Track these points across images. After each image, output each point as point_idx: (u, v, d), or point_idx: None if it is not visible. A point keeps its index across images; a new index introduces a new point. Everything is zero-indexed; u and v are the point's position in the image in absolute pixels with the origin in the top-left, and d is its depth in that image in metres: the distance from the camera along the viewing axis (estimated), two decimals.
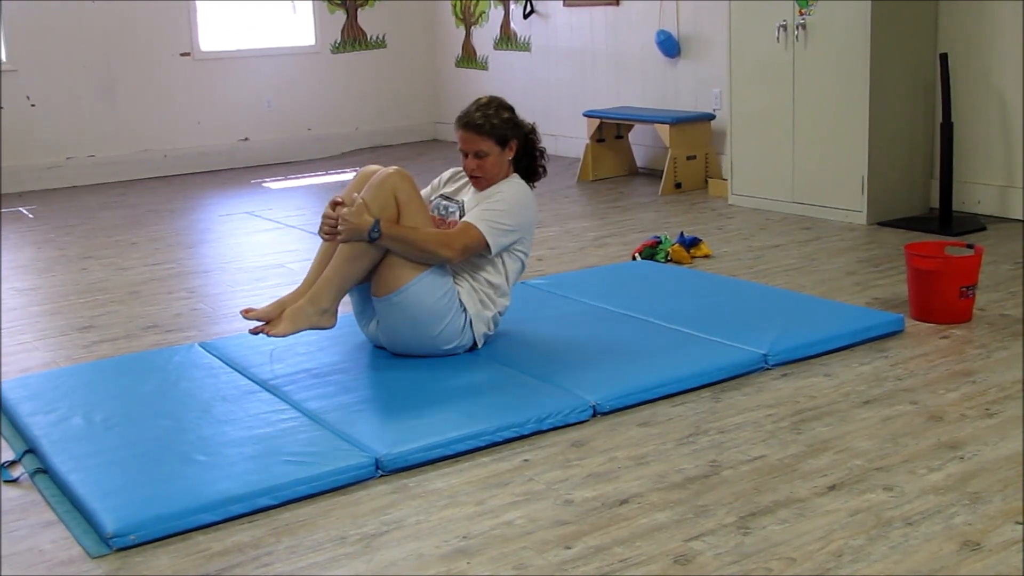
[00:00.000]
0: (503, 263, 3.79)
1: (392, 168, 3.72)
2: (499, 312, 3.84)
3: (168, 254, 5.94)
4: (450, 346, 3.71)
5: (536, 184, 3.97)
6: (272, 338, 3.67)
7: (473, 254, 3.69)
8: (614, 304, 4.30)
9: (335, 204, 3.64)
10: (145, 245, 6.19)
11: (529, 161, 3.93)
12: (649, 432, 3.17)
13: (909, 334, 3.98)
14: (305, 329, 3.65)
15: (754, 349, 3.68)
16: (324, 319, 3.67)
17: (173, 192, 8.05)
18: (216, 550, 2.59)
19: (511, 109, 3.86)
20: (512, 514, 2.69)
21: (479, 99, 3.87)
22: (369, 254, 3.60)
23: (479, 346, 3.80)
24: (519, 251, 3.83)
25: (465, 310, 3.71)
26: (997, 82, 5.72)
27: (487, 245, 3.66)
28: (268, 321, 3.63)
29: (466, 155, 3.79)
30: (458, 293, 3.70)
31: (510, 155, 3.83)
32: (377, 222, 3.53)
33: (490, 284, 3.79)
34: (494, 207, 3.72)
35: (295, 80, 9.39)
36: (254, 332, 3.64)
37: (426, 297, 3.62)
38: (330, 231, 3.63)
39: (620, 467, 2.94)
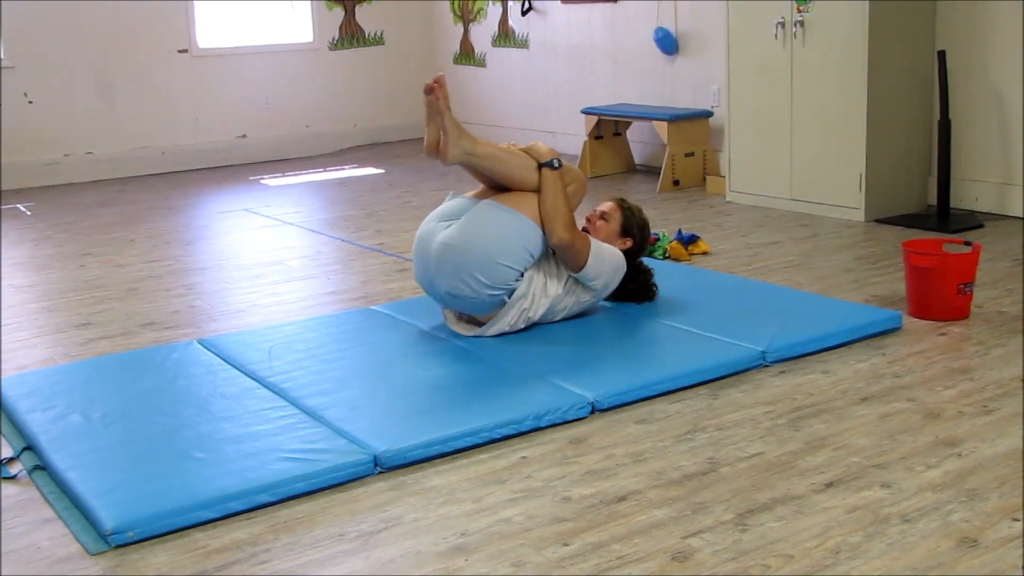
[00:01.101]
0: (566, 286, 3.94)
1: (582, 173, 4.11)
2: (529, 317, 3.89)
3: (166, 251, 5.94)
4: (487, 283, 3.76)
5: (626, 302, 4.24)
6: (429, 99, 3.84)
7: (569, 255, 3.86)
8: (608, 300, 4.30)
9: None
10: (143, 242, 6.19)
11: (636, 288, 4.22)
12: (647, 429, 3.17)
13: (907, 331, 3.98)
14: (445, 126, 3.80)
15: (752, 346, 3.68)
16: (455, 147, 3.81)
17: (171, 189, 8.04)
18: (214, 547, 2.59)
19: (648, 229, 4.26)
20: (510, 511, 2.70)
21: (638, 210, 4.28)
22: (524, 173, 3.88)
23: (493, 332, 3.86)
24: (584, 296, 3.99)
25: (519, 284, 3.82)
26: (995, 79, 5.73)
27: (584, 262, 3.88)
28: (444, 95, 3.84)
29: (595, 212, 4.19)
30: (530, 268, 3.84)
31: (621, 246, 4.13)
32: (561, 161, 3.92)
33: (545, 289, 3.91)
34: (607, 248, 4.01)
35: (293, 77, 9.39)
36: (429, 88, 3.83)
37: (521, 237, 3.78)
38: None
39: (618, 464, 2.94)
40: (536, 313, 3.90)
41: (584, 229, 4.08)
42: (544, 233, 3.83)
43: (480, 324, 3.92)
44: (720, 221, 6.06)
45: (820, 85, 5.93)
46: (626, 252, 4.14)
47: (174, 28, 8.77)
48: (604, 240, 4.08)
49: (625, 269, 4.09)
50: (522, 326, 3.90)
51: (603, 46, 8.23)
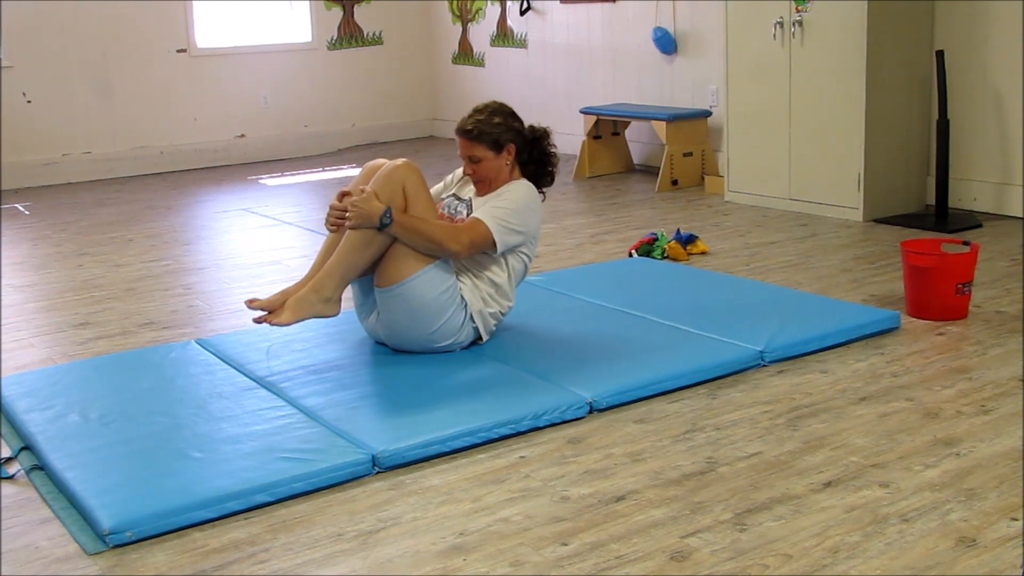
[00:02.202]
0: (507, 263, 3.81)
1: (400, 160, 3.73)
2: (501, 312, 3.84)
3: (164, 251, 5.94)
4: (447, 343, 3.71)
5: (544, 190, 3.98)
6: (275, 327, 3.67)
7: (479, 250, 3.70)
8: (611, 301, 4.30)
9: (343, 195, 3.66)
10: (141, 242, 6.18)
11: (537, 167, 3.95)
12: (645, 429, 3.17)
13: (905, 331, 3.98)
14: (309, 317, 3.63)
15: (750, 346, 3.68)
16: (328, 307, 3.65)
17: (169, 189, 8.04)
18: (212, 547, 2.59)
19: (509, 114, 3.88)
20: (508, 511, 2.70)
21: (477, 105, 3.89)
22: (375, 243, 3.59)
23: (483, 340, 3.81)
24: (523, 253, 3.84)
25: (466, 307, 3.71)
26: (993, 79, 5.73)
27: (493, 243, 3.68)
28: (271, 311, 3.62)
29: (465, 165, 3.86)
30: (460, 290, 3.71)
31: (508, 159, 3.85)
32: (389, 209, 3.55)
33: (492, 283, 3.79)
34: (501, 205, 3.74)
35: (292, 77, 9.38)
36: (257, 321, 3.62)
37: (428, 291, 3.62)
38: (337, 221, 3.64)
39: (616, 464, 2.94)
40: (510, 300, 3.84)
41: (476, 182, 3.84)
42: (439, 258, 3.62)
43: None
44: (718, 221, 6.06)
45: (818, 85, 5.93)
46: (519, 154, 3.86)
47: (173, 28, 8.76)
48: (495, 175, 3.81)
49: (533, 193, 3.84)
50: (502, 317, 3.86)
51: (602, 46, 8.23)
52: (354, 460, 2.92)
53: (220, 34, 9.05)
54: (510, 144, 3.83)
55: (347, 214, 3.58)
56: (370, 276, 3.71)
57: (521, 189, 3.83)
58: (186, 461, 2.96)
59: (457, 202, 3.90)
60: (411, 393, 3.45)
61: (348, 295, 3.82)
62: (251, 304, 3.63)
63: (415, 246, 3.59)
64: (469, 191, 3.92)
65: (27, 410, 3.39)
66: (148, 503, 2.69)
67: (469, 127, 3.81)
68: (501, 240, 3.69)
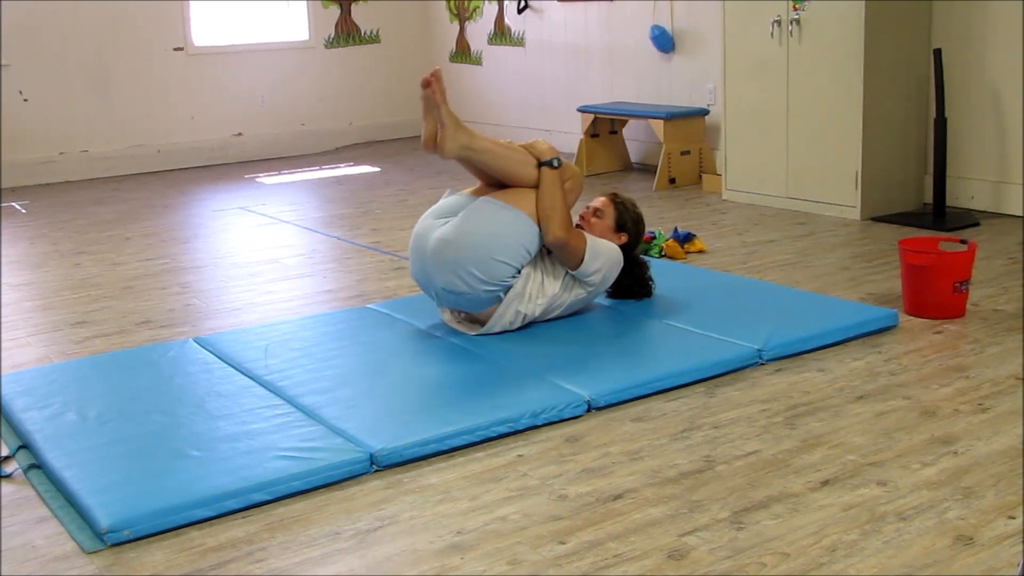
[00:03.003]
0: (563, 284, 3.94)
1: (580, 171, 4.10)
2: (524, 316, 3.89)
3: (161, 249, 5.93)
4: (483, 278, 3.76)
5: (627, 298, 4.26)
6: (426, 99, 3.83)
7: (565, 254, 3.87)
8: (608, 299, 4.30)
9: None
10: (138, 240, 6.18)
11: (630, 282, 4.22)
12: (643, 427, 3.17)
13: (903, 329, 3.98)
14: (442, 120, 3.80)
15: (748, 344, 3.69)
16: (453, 141, 3.82)
17: (166, 187, 8.04)
18: (210, 545, 2.59)
19: (642, 223, 4.25)
20: (506, 509, 2.70)
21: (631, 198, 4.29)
22: (523, 169, 3.89)
23: (493, 323, 3.86)
24: (581, 292, 3.99)
25: (515, 279, 3.82)
26: (991, 77, 5.73)
27: (580, 260, 3.88)
28: (441, 89, 3.82)
29: (589, 209, 4.18)
30: (527, 265, 3.85)
31: (616, 241, 4.12)
32: (560, 160, 3.93)
33: (543, 287, 3.90)
34: (603, 244, 4.02)
35: (289, 75, 9.38)
36: (426, 83, 3.80)
37: (518, 233, 3.79)
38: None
39: (614, 462, 2.94)
40: (534, 311, 3.90)
41: (578, 226, 4.08)
42: (541, 231, 3.83)
43: (478, 323, 3.92)
44: (716, 219, 6.06)
45: (816, 83, 5.93)
46: (621, 247, 4.13)
47: (170, 26, 8.76)
48: (598, 236, 4.08)
49: (622, 264, 4.10)
50: (520, 324, 3.90)
51: (599, 44, 8.22)
52: (352, 459, 2.92)
53: (217, 32, 9.04)
54: (626, 235, 4.17)
55: (533, 140, 4.00)
56: (470, 196, 3.92)
57: (617, 251, 4.09)
58: (184, 460, 2.96)
59: None
60: (409, 392, 3.45)
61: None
62: (436, 70, 3.86)
63: (543, 199, 3.84)
64: None
65: (24, 409, 3.39)
66: (146, 502, 2.69)
67: (618, 195, 4.25)
68: (587, 262, 3.90)
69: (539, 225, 3.83)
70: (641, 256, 4.30)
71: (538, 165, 3.90)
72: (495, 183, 3.96)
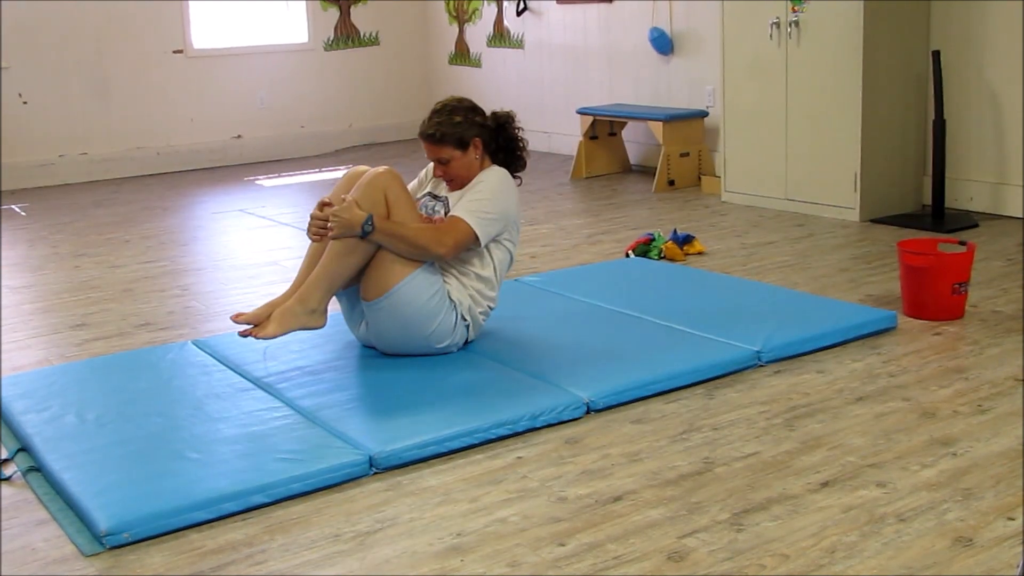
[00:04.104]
0: (490, 255, 3.78)
1: (381, 168, 3.71)
2: (489, 307, 3.83)
3: (161, 252, 5.93)
4: (443, 344, 3.71)
5: (520, 175, 3.94)
6: (261, 341, 3.66)
7: (464, 249, 3.68)
8: (607, 301, 4.31)
9: (323, 205, 3.63)
10: (138, 243, 6.18)
11: (507, 154, 3.91)
12: (643, 429, 3.17)
13: (902, 331, 3.98)
14: (294, 330, 3.62)
15: (747, 346, 3.69)
16: (313, 319, 3.63)
17: (166, 190, 8.03)
18: (209, 548, 2.58)
19: (469, 108, 3.83)
20: (506, 511, 2.70)
21: (435, 105, 3.86)
22: (359, 251, 3.57)
23: (470, 340, 3.80)
24: (506, 241, 3.80)
25: (456, 307, 3.70)
26: (989, 79, 5.73)
27: (476, 237, 3.65)
28: (257, 324, 3.60)
29: (435, 166, 3.85)
30: (448, 291, 3.70)
31: (476, 153, 3.81)
32: (370, 217, 3.51)
33: (479, 278, 3.77)
34: (477, 196, 3.72)
35: (288, 77, 9.38)
36: (243, 335, 3.61)
37: (417, 297, 3.60)
38: (318, 231, 3.60)
39: (614, 464, 2.94)
40: (496, 291, 3.81)
41: (449, 182, 3.82)
42: (424, 261, 3.60)
43: None
44: (715, 221, 6.06)
45: (815, 85, 5.93)
46: (486, 146, 3.83)
47: (169, 28, 8.76)
48: (467, 172, 3.79)
49: (506, 179, 3.81)
50: (490, 314, 3.84)
51: (598, 46, 8.23)
52: (351, 461, 2.92)
53: (216, 35, 9.04)
54: (475, 139, 3.79)
55: (328, 224, 3.54)
56: (356, 287, 3.70)
57: (494, 176, 3.80)
58: (183, 462, 2.96)
59: (434, 201, 3.87)
60: (408, 394, 3.45)
61: (335, 304, 3.81)
62: (237, 319, 3.61)
63: (399, 252, 3.56)
64: (444, 188, 3.90)
65: (24, 411, 3.39)
66: (145, 504, 2.69)
67: (431, 131, 3.77)
68: (483, 232, 3.66)
69: (418, 260, 3.58)
70: (498, 115, 3.89)
71: (362, 239, 3.54)
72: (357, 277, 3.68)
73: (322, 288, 3.61)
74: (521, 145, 3.94)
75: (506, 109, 3.97)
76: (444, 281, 3.70)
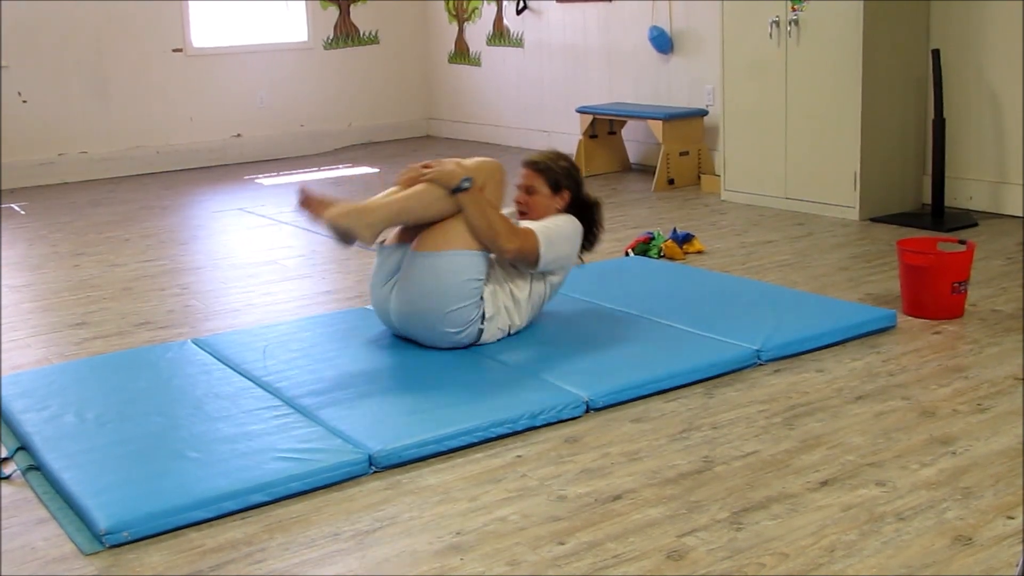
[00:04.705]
0: (532, 282, 3.86)
1: (493, 160, 3.90)
2: (510, 327, 3.85)
3: (160, 250, 5.93)
4: (452, 330, 3.71)
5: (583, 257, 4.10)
6: (310, 219, 3.70)
7: (522, 259, 3.75)
8: (607, 300, 4.31)
9: (425, 165, 3.77)
10: (137, 241, 6.18)
11: (588, 227, 4.03)
12: (642, 428, 3.17)
13: (901, 330, 3.98)
14: (346, 228, 3.61)
15: (747, 345, 3.69)
16: (366, 230, 3.65)
17: (165, 188, 8.03)
18: (209, 547, 2.58)
19: (574, 166, 4.06)
20: (505, 510, 2.70)
21: (548, 150, 4.12)
22: (439, 205, 3.69)
23: (475, 344, 3.80)
24: (552, 278, 3.91)
25: (482, 306, 3.73)
26: (989, 78, 5.73)
27: (538, 256, 3.74)
28: (319, 201, 3.65)
29: (520, 188, 3.99)
30: (483, 289, 3.73)
31: (560, 203, 3.96)
32: (471, 178, 3.68)
33: (513, 297, 3.83)
34: (552, 225, 3.84)
35: (287, 76, 9.38)
36: (301, 203, 3.65)
37: (459, 272, 3.67)
38: (412, 175, 3.73)
39: (613, 463, 2.94)
40: (521, 320, 3.88)
41: (521, 213, 3.96)
42: (482, 250, 3.70)
43: None
44: (715, 220, 6.06)
45: (815, 84, 5.93)
46: (569, 207, 3.98)
47: (168, 27, 8.75)
48: (542, 212, 3.93)
49: (580, 230, 3.95)
50: (514, 332, 3.89)
51: (598, 45, 8.23)
52: (351, 460, 2.92)
53: (216, 34, 9.03)
54: (566, 191, 3.97)
55: (428, 171, 3.71)
56: (404, 244, 3.78)
57: (570, 220, 3.93)
58: (183, 461, 2.96)
59: None
60: (408, 393, 3.45)
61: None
62: (303, 188, 3.68)
63: (473, 225, 3.67)
64: (513, 218, 3.96)
65: (23, 410, 3.39)
66: (145, 503, 2.69)
67: (537, 159, 3.99)
68: (545, 255, 3.76)
69: (479, 247, 3.68)
70: (590, 196, 4.07)
71: (451, 193, 3.70)
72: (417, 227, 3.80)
73: (389, 212, 3.69)
74: (596, 232, 4.09)
75: (596, 197, 4.12)
76: (487, 281, 3.75)
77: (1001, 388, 3.38)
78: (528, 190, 3.96)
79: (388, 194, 3.80)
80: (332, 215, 3.62)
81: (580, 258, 4.07)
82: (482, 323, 3.75)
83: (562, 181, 3.97)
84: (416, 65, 10.04)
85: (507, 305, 3.82)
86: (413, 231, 3.78)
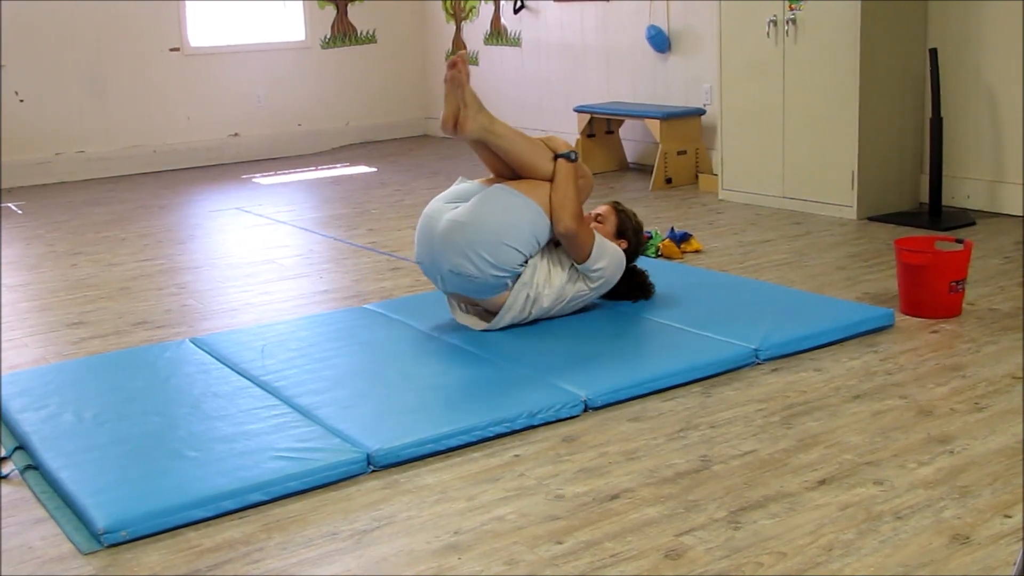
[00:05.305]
0: (568, 276, 3.97)
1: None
2: (532, 303, 3.92)
3: (158, 250, 5.93)
4: (492, 261, 3.78)
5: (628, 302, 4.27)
6: (451, 79, 3.81)
7: (574, 246, 3.91)
8: (605, 299, 4.30)
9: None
10: (135, 241, 6.17)
11: (627, 288, 4.23)
12: (640, 427, 3.17)
13: (899, 329, 3.99)
14: (465, 99, 3.81)
15: (744, 344, 3.69)
16: (475, 121, 3.84)
17: (163, 188, 8.03)
18: (207, 546, 2.58)
19: (642, 232, 4.33)
20: (503, 509, 2.70)
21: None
22: (540, 163, 3.93)
23: (496, 319, 3.90)
24: (586, 284, 4.01)
25: (521, 268, 3.86)
26: (986, 77, 5.74)
27: (588, 253, 3.93)
28: (466, 70, 3.83)
29: (590, 214, 4.20)
30: (534, 255, 3.89)
31: (617, 244, 4.15)
32: (578, 153, 4.02)
33: (548, 278, 3.94)
34: (610, 243, 4.07)
35: (285, 75, 9.37)
36: (454, 62, 3.79)
37: (529, 221, 3.83)
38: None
39: (611, 462, 2.94)
40: (543, 303, 3.92)
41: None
42: (552, 222, 3.87)
43: (486, 318, 3.93)
44: (712, 219, 6.06)
45: (812, 83, 5.93)
46: (624, 251, 4.18)
47: (166, 26, 8.75)
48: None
49: (625, 266, 4.13)
50: (528, 318, 3.92)
51: (595, 44, 8.22)
52: (349, 459, 2.92)
53: (213, 33, 9.03)
54: (625, 241, 4.22)
55: (550, 136, 4.06)
56: (494, 183, 3.95)
57: (621, 252, 4.13)
58: (181, 460, 2.96)
59: None
60: (406, 392, 3.45)
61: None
62: (463, 55, 3.87)
63: (557, 189, 3.88)
64: None
65: (21, 410, 3.38)
66: (142, 502, 2.69)
67: (619, 202, 4.36)
68: (594, 255, 3.95)
69: (551, 216, 3.87)
70: (637, 266, 4.32)
71: (555, 157, 3.94)
72: (508, 175, 4.00)
73: (503, 130, 3.92)
74: (635, 295, 4.25)
75: (646, 276, 4.32)
76: (539, 254, 3.93)
77: (999, 387, 3.38)
78: (598, 218, 4.22)
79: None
80: (469, 91, 3.82)
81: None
82: (513, 283, 3.85)
83: (628, 232, 4.23)
84: (414, 64, 10.04)
85: (540, 281, 3.91)
86: (500, 181, 3.97)
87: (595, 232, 4.02)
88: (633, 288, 4.25)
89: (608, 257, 4.02)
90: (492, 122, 3.91)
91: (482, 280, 3.81)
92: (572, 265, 3.98)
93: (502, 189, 3.91)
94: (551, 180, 3.93)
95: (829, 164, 5.93)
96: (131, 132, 8.72)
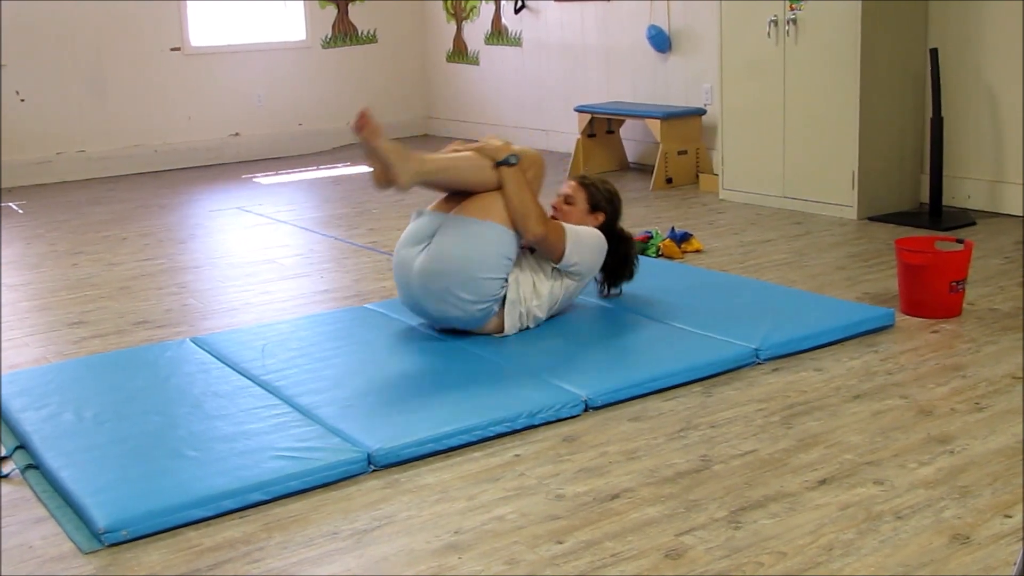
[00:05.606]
0: (552, 282, 3.91)
1: (538, 152, 4.04)
2: (519, 320, 3.87)
3: (158, 249, 5.93)
4: (472, 299, 3.73)
5: (615, 290, 4.27)
6: (361, 141, 3.67)
7: (546, 248, 3.84)
8: (605, 299, 4.30)
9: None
10: (135, 240, 6.17)
11: (616, 264, 4.17)
12: (640, 427, 3.17)
13: (899, 329, 3.99)
14: (388, 161, 3.65)
15: (745, 344, 3.69)
16: (406, 171, 3.68)
17: (163, 187, 8.03)
18: (207, 546, 2.58)
19: (618, 199, 4.19)
20: (503, 509, 2.70)
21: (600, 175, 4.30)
22: (482, 174, 3.81)
23: (482, 331, 3.84)
24: (569, 280, 3.95)
25: (503, 288, 3.79)
26: (987, 77, 5.74)
27: (562, 251, 3.85)
28: (373, 127, 3.64)
29: (559, 197, 4.13)
30: (512, 272, 3.82)
31: (593, 223, 4.08)
32: (518, 156, 3.83)
33: (534, 288, 3.88)
34: (583, 232, 3.96)
35: (286, 75, 9.37)
36: (358, 121, 3.64)
37: (494, 245, 3.75)
38: (459, 148, 3.86)
39: (611, 462, 2.94)
40: (537, 314, 3.89)
41: (553, 217, 4.04)
42: (517, 232, 3.79)
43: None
44: (713, 219, 6.06)
45: (813, 83, 5.93)
46: (601, 227, 4.10)
47: (167, 26, 8.75)
48: (576, 223, 4.03)
49: (606, 246, 4.06)
50: (532, 324, 3.91)
51: (596, 44, 8.23)
52: (349, 459, 2.92)
53: (214, 32, 9.03)
54: (602, 213, 4.12)
55: (483, 138, 3.92)
56: (441, 213, 3.84)
57: (598, 235, 4.03)
58: (181, 460, 2.96)
59: None
60: (406, 391, 3.45)
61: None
62: (365, 111, 3.67)
63: (511, 201, 3.77)
64: None
65: (22, 409, 3.38)
66: (143, 502, 2.69)
67: (585, 176, 4.24)
68: (569, 252, 3.86)
69: (514, 228, 3.78)
70: (624, 230, 4.23)
71: (495, 166, 3.83)
72: (460, 193, 3.89)
73: (434, 166, 3.78)
74: (624, 271, 4.22)
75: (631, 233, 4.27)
76: (517, 267, 3.84)
77: (999, 387, 3.38)
78: (567, 199, 4.11)
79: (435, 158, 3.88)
80: (384, 144, 3.66)
81: (616, 289, 4.24)
82: (500, 307, 3.79)
83: (601, 203, 4.12)
84: (414, 64, 10.04)
85: (527, 294, 3.86)
86: (453, 201, 3.87)
87: (564, 226, 3.90)
88: (619, 261, 4.16)
89: (584, 247, 3.92)
90: (422, 163, 3.74)
91: (468, 316, 3.78)
92: (554, 268, 3.93)
93: (456, 221, 3.79)
94: (501, 188, 3.82)
95: (829, 164, 5.93)
96: (132, 132, 8.72)
